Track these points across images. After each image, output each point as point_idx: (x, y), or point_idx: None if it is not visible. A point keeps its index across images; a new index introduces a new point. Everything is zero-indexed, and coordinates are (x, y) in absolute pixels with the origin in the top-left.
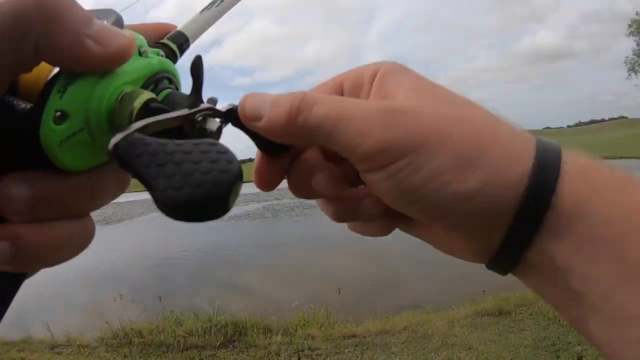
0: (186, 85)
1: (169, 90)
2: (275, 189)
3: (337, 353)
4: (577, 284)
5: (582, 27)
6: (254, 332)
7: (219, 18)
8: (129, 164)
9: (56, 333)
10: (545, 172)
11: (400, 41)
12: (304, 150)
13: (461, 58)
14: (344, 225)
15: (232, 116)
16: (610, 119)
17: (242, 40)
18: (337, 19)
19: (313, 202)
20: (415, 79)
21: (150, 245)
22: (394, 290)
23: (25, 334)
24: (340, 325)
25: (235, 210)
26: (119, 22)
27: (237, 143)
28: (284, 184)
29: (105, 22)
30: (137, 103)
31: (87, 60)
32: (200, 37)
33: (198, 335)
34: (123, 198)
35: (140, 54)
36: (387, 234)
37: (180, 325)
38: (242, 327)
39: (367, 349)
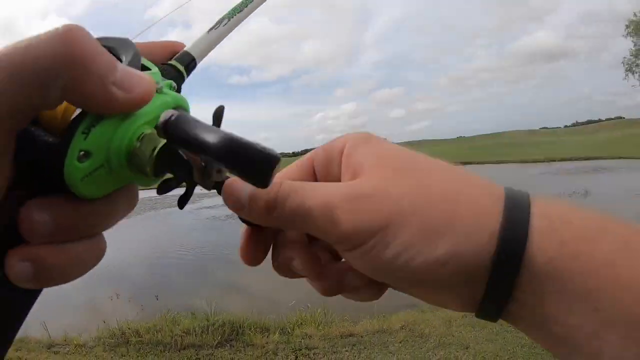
0: (184, 89)
1: None
2: None
3: (334, 352)
4: (559, 331)
5: (581, 27)
6: (252, 332)
7: (224, 37)
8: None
9: (53, 332)
10: (515, 229)
11: (399, 41)
12: None
13: (460, 58)
14: None
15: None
16: (607, 119)
17: (239, 39)
18: (335, 19)
19: None
20: (378, 150)
21: (148, 244)
22: (391, 289)
23: (22, 333)
24: (338, 325)
25: None
26: (136, 55)
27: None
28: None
29: (124, 57)
30: (157, 144)
31: (111, 105)
32: (197, 36)
33: (195, 335)
34: None
35: (156, 90)
36: (378, 298)
37: (178, 325)
38: (240, 327)
39: (365, 348)
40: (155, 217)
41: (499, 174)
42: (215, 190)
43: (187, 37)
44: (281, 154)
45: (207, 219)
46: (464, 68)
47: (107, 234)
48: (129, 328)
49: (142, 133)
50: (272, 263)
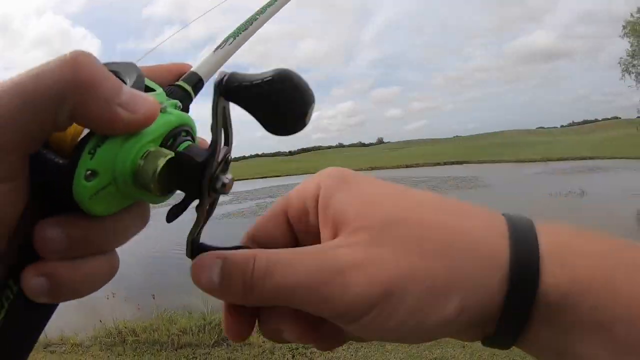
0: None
1: (187, 143)
2: (268, 187)
3: (331, 351)
4: None
5: (578, 27)
6: None
7: (231, 56)
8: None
9: (50, 332)
10: (525, 270)
11: (396, 40)
12: None
13: (456, 58)
14: None
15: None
16: (603, 120)
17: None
18: (332, 18)
19: None
20: (358, 196)
21: (144, 243)
22: None
23: None
24: None
25: (228, 207)
26: (140, 78)
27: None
28: (277, 180)
29: (128, 80)
30: (160, 162)
31: (117, 125)
32: (195, 34)
33: (192, 334)
34: None
35: (160, 110)
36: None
37: (174, 324)
38: None
39: (362, 346)
40: (151, 216)
41: (496, 173)
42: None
43: (184, 36)
44: (277, 153)
45: None
46: (461, 68)
47: None
48: (125, 327)
49: (147, 151)
50: (261, 331)
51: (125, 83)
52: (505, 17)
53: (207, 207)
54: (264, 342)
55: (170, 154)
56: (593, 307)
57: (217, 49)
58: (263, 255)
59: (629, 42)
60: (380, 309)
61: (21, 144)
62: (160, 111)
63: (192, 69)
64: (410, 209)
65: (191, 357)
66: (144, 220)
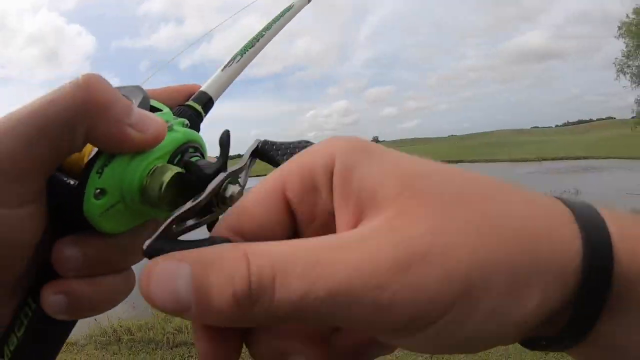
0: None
1: (195, 158)
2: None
3: None
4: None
5: (572, 28)
6: None
7: (239, 74)
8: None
9: None
10: (599, 256)
11: (390, 39)
12: None
13: (450, 57)
14: None
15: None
16: (598, 120)
17: (231, 36)
18: (327, 17)
19: None
20: (393, 168)
21: None
22: None
23: None
24: None
25: None
26: (145, 99)
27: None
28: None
29: (134, 101)
30: (166, 177)
31: (128, 145)
32: (190, 32)
33: (188, 333)
34: None
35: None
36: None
37: (170, 323)
38: None
39: None
40: None
41: (490, 172)
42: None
43: (180, 34)
44: None
45: None
46: (455, 67)
47: None
48: (120, 326)
49: (154, 167)
50: (254, 355)
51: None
52: (500, 17)
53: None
54: None
55: (177, 170)
56: None
57: (225, 67)
58: (263, 250)
59: (624, 42)
60: (457, 312)
61: (40, 169)
62: (168, 129)
63: (201, 89)
64: (467, 186)
65: (187, 355)
66: None
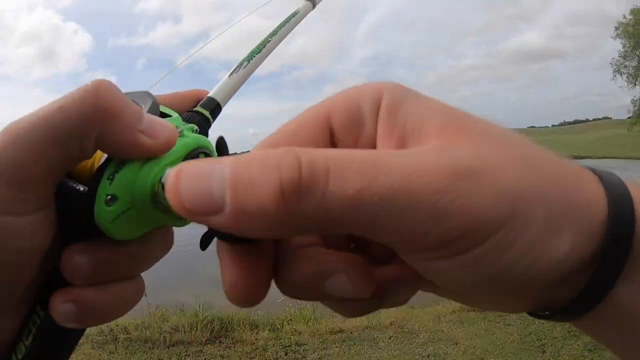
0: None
1: None
2: None
3: (324, 348)
4: None
5: (570, 28)
6: (241, 328)
7: (246, 80)
8: None
9: None
10: (621, 213)
11: (387, 38)
12: None
13: (448, 56)
14: None
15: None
16: (594, 120)
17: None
18: (324, 15)
19: None
20: (439, 107)
21: None
22: None
23: None
24: (327, 321)
25: None
26: (155, 104)
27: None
28: None
29: (143, 106)
30: None
31: (139, 151)
32: (187, 30)
33: (184, 331)
34: None
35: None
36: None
37: (166, 321)
38: (229, 323)
39: (354, 344)
40: None
41: None
42: None
43: (177, 32)
44: None
45: None
46: (452, 66)
47: None
48: (117, 325)
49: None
50: (281, 284)
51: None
52: (498, 16)
53: None
54: (256, 339)
55: None
56: None
57: (232, 73)
58: (318, 150)
59: (621, 43)
60: (503, 236)
61: (50, 176)
62: (178, 135)
63: (209, 94)
64: (508, 132)
65: (183, 354)
66: (168, 244)
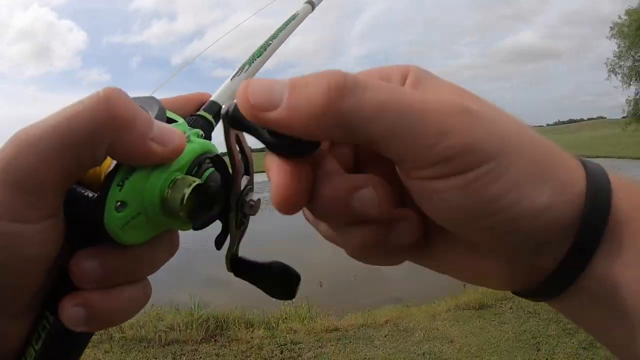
0: None
1: (211, 169)
2: (255, 183)
3: (319, 347)
4: (628, 302)
5: (565, 28)
6: (236, 327)
7: None
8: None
9: None
10: (599, 188)
11: (383, 37)
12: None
13: (444, 55)
14: None
15: (227, 118)
16: (589, 119)
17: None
18: (319, 14)
19: None
20: (454, 85)
21: None
22: (375, 283)
23: None
24: (322, 319)
25: None
26: (162, 110)
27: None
28: (263, 175)
29: (150, 112)
30: (187, 189)
31: (151, 158)
32: (182, 28)
33: (179, 330)
34: None
35: None
36: (398, 264)
37: (162, 320)
38: (224, 322)
39: (350, 342)
40: None
41: None
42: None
43: (173, 29)
44: (264, 149)
45: None
46: (447, 65)
47: None
48: None
49: (174, 179)
50: (315, 201)
51: None
52: (494, 16)
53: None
54: (251, 338)
55: (197, 181)
56: None
57: (234, 76)
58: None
59: (616, 43)
60: (492, 166)
61: (61, 183)
62: None
63: (211, 98)
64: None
65: (179, 353)
66: (173, 247)
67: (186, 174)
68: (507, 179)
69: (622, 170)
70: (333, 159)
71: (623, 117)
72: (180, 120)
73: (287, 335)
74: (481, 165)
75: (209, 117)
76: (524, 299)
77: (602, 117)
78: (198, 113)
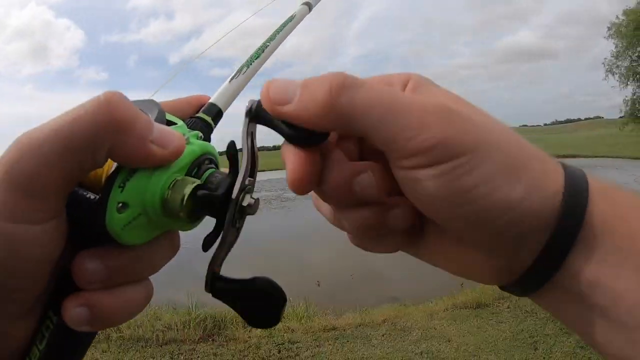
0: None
1: (210, 170)
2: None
3: (317, 346)
4: (603, 299)
5: (563, 28)
6: (234, 326)
7: (246, 85)
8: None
9: None
10: (576, 190)
11: (380, 37)
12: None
13: (441, 55)
14: (323, 218)
15: (252, 114)
16: (586, 119)
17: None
18: (317, 13)
19: (292, 194)
20: (448, 92)
21: None
22: (373, 283)
23: None
24: (320, 318)
25: None
26: (161, 113)
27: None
28: (261, 174)
29: (150, 115)
30: (187, 190)
31: (151, 160)
32: (180, 27)
33: (177, 330)
34: None
35: None
36: (393, 252)
37: (159, 320)
38: (222, 321)
39: (347, 341)
40: None
41: None
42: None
43: (170, 28)
44: (262, 147)
45: None
46: (445, 65)
47: None
48: None
49: (174, 180)
50: (322, 184)
51: None
52: (491, 15)
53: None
54: (249, 337)
55: (196, 182)
56: (629, 234)
57: (232, 79)
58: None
59: (613, 43)
60: (465, 160)
61: (63, 185)
62: None
63: (210, 100)
64: (497, 120)
65: (176, 353)
66: (174, 248)
67: (186, 175)
68: (481, 171)
69: (620, 170)
70: (339, 150)
71: (620, 117)
72: (180, 122)
73: (285, 334)
74: (457, 157)
75: (208, 119)
76: (521, 298)
77: (600, 117)
78: (197, 115)
